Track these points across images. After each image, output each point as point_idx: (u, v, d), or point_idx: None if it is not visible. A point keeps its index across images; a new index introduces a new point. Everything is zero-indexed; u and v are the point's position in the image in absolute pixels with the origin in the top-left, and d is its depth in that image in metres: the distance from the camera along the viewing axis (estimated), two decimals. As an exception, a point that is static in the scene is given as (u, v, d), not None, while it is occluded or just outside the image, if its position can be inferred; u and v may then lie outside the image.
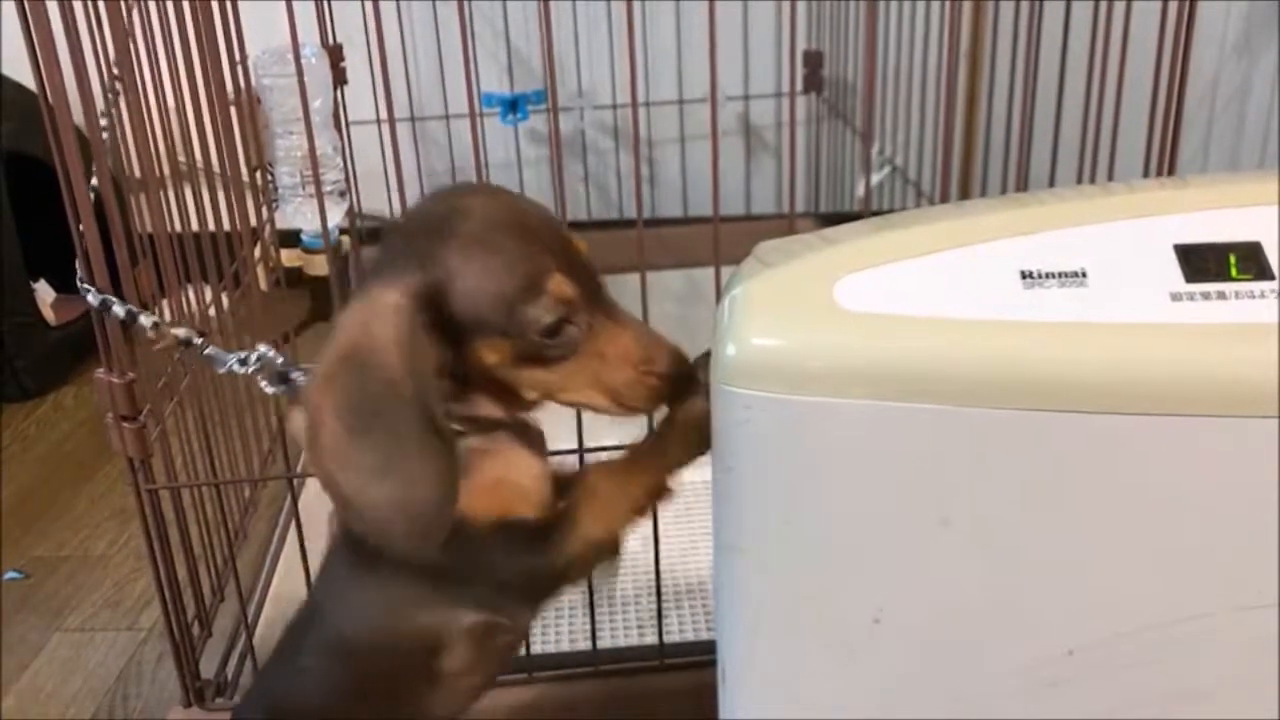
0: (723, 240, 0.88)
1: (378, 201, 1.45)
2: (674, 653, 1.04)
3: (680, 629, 1.10)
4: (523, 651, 1.00)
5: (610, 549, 0.70)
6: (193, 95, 1.05)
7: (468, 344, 0.65)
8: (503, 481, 0.70)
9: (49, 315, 1.88)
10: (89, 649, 1.27)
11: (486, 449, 0.70)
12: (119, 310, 0.87)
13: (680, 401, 0.68)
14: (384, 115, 0.91)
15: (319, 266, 1.73)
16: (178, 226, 1.08)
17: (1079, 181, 1.05)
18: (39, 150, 1.00)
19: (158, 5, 1.02)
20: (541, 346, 0.65)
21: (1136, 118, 0.96)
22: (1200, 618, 0.59)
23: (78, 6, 0.89)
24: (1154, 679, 0.60)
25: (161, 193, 1.04)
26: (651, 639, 1.07)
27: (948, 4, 1.34)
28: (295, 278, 1.69)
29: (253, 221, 1.30)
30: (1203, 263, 0.57)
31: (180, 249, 1.07)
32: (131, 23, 0.99)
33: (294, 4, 0.84)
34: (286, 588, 1.19)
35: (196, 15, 1.03)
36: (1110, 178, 1.06)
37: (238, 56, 1.14)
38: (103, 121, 0.93)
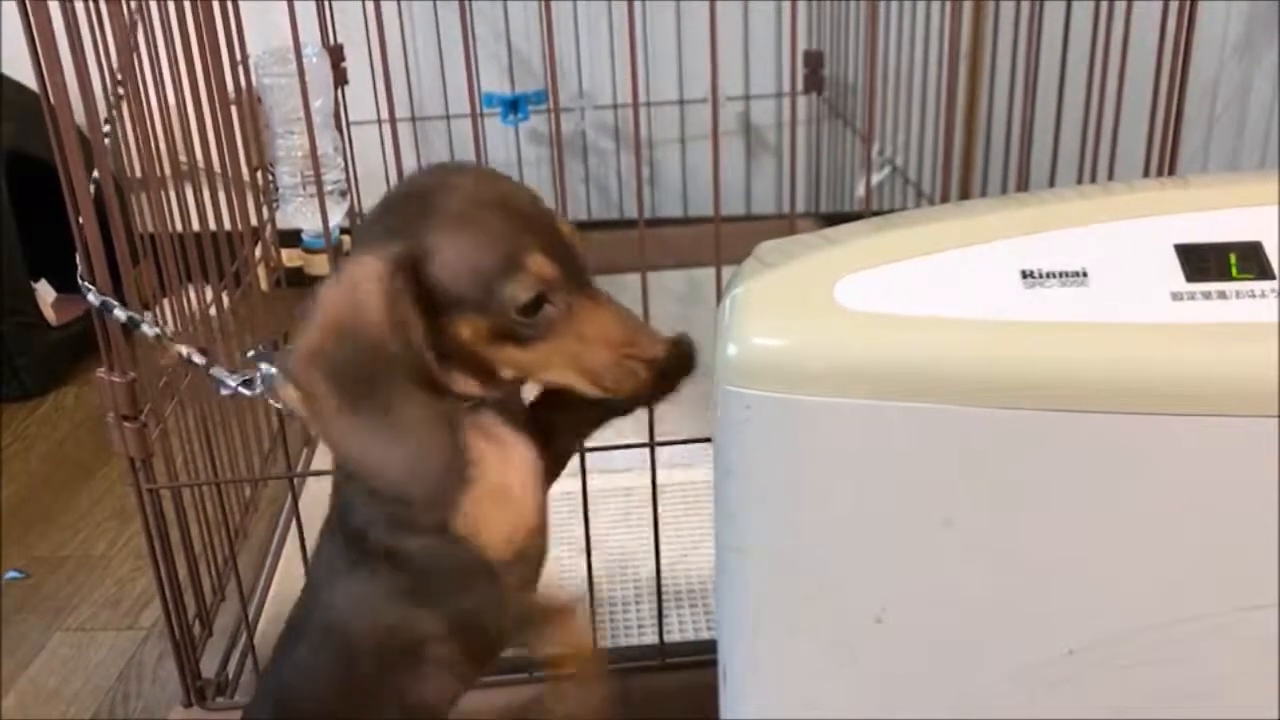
0: (723, 240, 0.88)
1: (378, 201, 1.45)
2: (675, 652, 1.03)
3: (681, 629, 1.10)
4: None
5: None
6: (194, 95, 1.05)
7: (446, 319, 0.65)
8: (505, 494, 0.70)
9: (49, 315, 1.87)
10: (90, 648, 1.27)
11: (477, 425, 0.70)
12: (120, 315, 0.88)
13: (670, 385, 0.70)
14: (385, 115, 0.91)
15: (320, 266, 1.73)
16: (179, 226, 1.08)
17: (1079, 181, 1.05)
18: (40, 150, 1.00)
19: (159, 5, 1.02)
20: (518, 325, 0.65)
21: (1137, 118, 0.96)
22: (1200, 618, 0.59)
23: (79, 6, 0.89)
24: (1154, 679, 0.60)
25: (162, 192, 1.04)
26: (652, 639, 1.07)
27: (948, 4, 1.34)
28: (296, 278, 1.69)
29: (253, 221, 1.30)
30: (1203, 262, 0.58)
31: (181, 248, 1.07)
32: (133, 22, 0.99)
33: (295, 4, 0.84)
34: (287, 587, 1.19)
35: (197, 15, 1.03)
36: (1110, 178, 1.06)
37: (239, 56, 1.14)
38: (105, 128, 0.94)
